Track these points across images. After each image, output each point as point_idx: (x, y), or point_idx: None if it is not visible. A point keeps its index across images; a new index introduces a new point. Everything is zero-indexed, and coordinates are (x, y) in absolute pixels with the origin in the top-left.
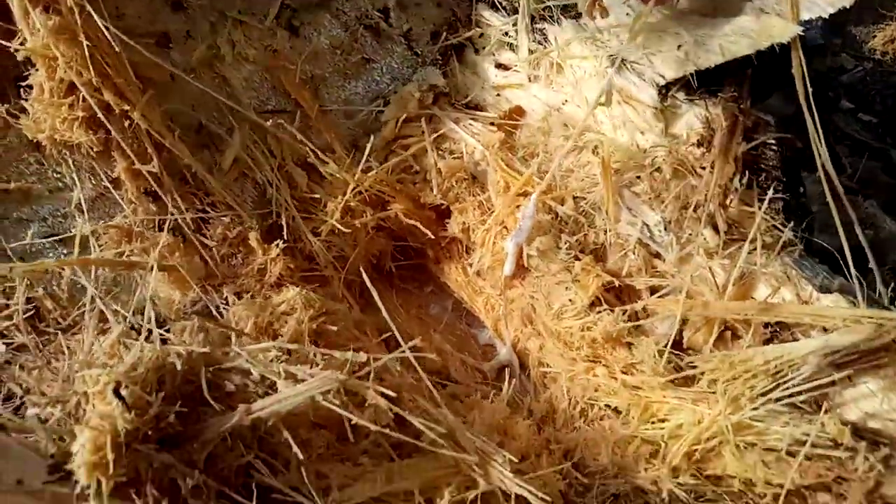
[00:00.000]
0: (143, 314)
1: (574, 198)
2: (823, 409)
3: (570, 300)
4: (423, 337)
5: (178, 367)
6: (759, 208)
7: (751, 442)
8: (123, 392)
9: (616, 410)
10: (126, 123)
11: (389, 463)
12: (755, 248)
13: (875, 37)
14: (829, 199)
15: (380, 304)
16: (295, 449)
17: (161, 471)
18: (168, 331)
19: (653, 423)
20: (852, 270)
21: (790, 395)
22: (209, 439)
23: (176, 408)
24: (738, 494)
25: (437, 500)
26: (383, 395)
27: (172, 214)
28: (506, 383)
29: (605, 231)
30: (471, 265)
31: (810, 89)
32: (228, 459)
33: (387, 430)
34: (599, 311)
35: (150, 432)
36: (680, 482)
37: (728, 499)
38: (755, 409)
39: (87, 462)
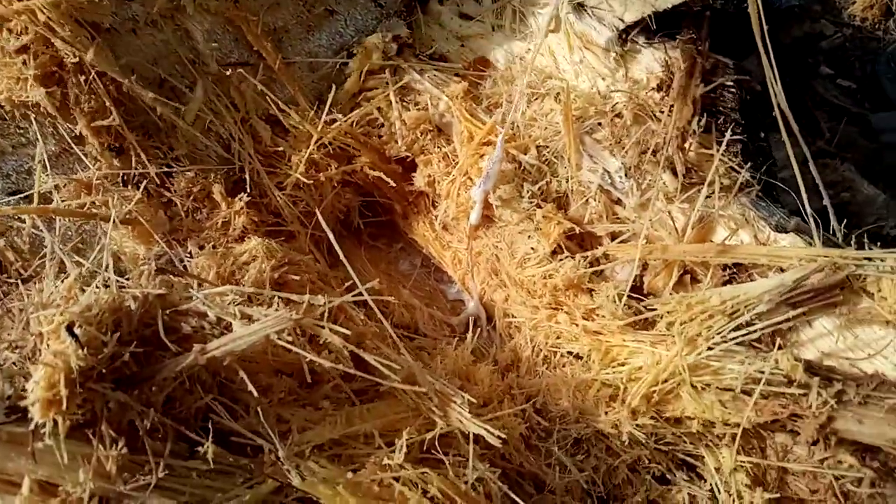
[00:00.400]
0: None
1: (537, 147)
2: (777, 345)
3: (533, 248)
4: (392, 292)
5: (134, 308)
6: (717, 150)
7: (707, 382)
8: (77, 331)
9: (578, 356)
10: (82, 78)
11: (350, 407)
12: (714, 192)
13: (854, 2)
14: (785, 138)
15: (338, 250)
16: (251, 388)
17: (118, 411)
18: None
19: (613, 367)
20: (808, 209)
21: (745, 335)
22: (165, 380)
23: (131, 349)
24: (698, 436)
25: (397, 441)
26: (338, 333)
27: (135, 169)
28: (470, 333)
29: (567, 179)
30: (437, 218)
31: (765, 25)
32: (187, 402)
33: (342, 367)
34: (561, 259)
35: (105, 371)
36: (639, 424)
37: (688, 441)
38: (711, 349)
39: (42, 399)
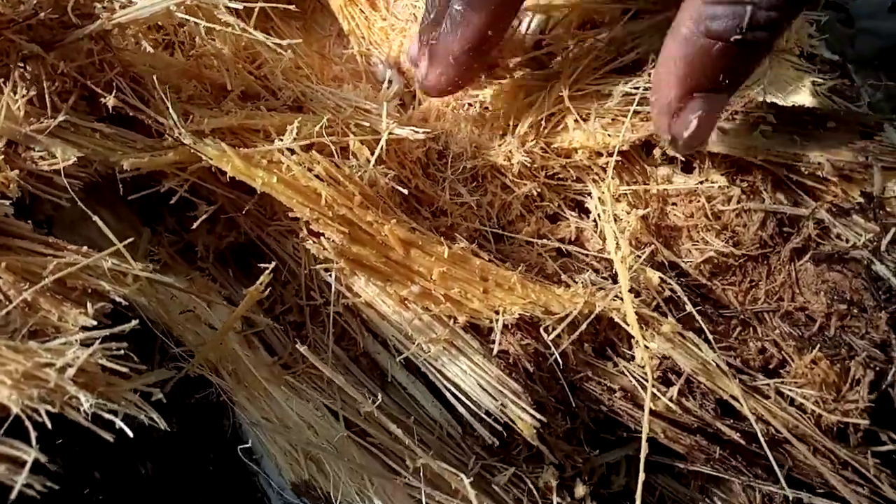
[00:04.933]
0: None
1: None
2: (650, 61)
3: None
4: (322, 69)
5: None
6: None
7: (590, 111)
8: None
9: (482, 103)
10: None
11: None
12: None
13: None
14: None
15: None
16: (147, 50)
17: (30, 68)
18: None
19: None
20: None
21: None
22: (78, 44)
23: (48, 13)
24: (585, 170)
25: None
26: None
27: None
28: (384, 87)
29: None
30: None
31: None
32: (97, 77)
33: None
34: None
35: (21, 22)
36: (528, 151)
37: (574, 173)
38: (596, 77)
39: None
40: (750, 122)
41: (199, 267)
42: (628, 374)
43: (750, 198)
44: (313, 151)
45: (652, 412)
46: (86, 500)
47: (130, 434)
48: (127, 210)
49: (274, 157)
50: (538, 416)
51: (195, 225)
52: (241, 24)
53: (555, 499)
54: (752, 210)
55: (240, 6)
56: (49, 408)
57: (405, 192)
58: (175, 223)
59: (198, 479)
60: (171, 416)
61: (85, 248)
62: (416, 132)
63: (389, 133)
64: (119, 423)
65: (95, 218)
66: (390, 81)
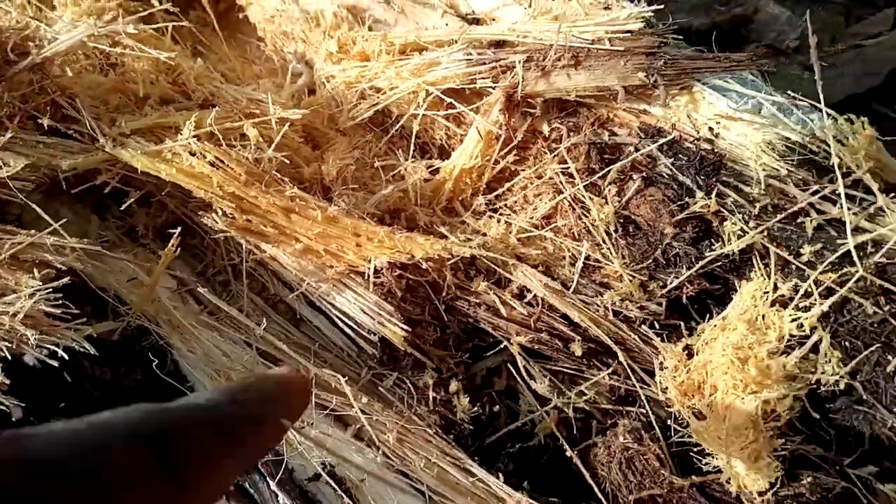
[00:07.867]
0: None
1: None
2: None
3: None
4: (244, 69)
5: None
6: None
7: None
8: None
9: None
10: None
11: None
12: None
13: None
14: None
15: None
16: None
17: None
18: None
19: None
20: None
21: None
22: (17, 75)
23: None
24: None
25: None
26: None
27: None
28: (289, 78)
29: None
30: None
31: None
32: (37, 100)
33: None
34: None
35: None
36: None
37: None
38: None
39: None
40: (562, 64)
41: (142, 244)
42: (491, 292)
43: (572, 133)
44: (205, 142)
45: (510, 319)
46: None
47: (65, 357)
48: (80, 205)
49: (176, 150)
50: (405, 327)
51: (124, 206)
52: (139, 45)
53: (431, 394)
54: (579, 144)
55: (138, 32)
56: (8, 344)
57: (287, 162)
58: (118, 210)
59: None
60: (133, 367)
61: (33, 231)
62: (297, 113)
63: (277, 116)
64: (60, 353)
65: (34, 205)
66: (300, 74)
